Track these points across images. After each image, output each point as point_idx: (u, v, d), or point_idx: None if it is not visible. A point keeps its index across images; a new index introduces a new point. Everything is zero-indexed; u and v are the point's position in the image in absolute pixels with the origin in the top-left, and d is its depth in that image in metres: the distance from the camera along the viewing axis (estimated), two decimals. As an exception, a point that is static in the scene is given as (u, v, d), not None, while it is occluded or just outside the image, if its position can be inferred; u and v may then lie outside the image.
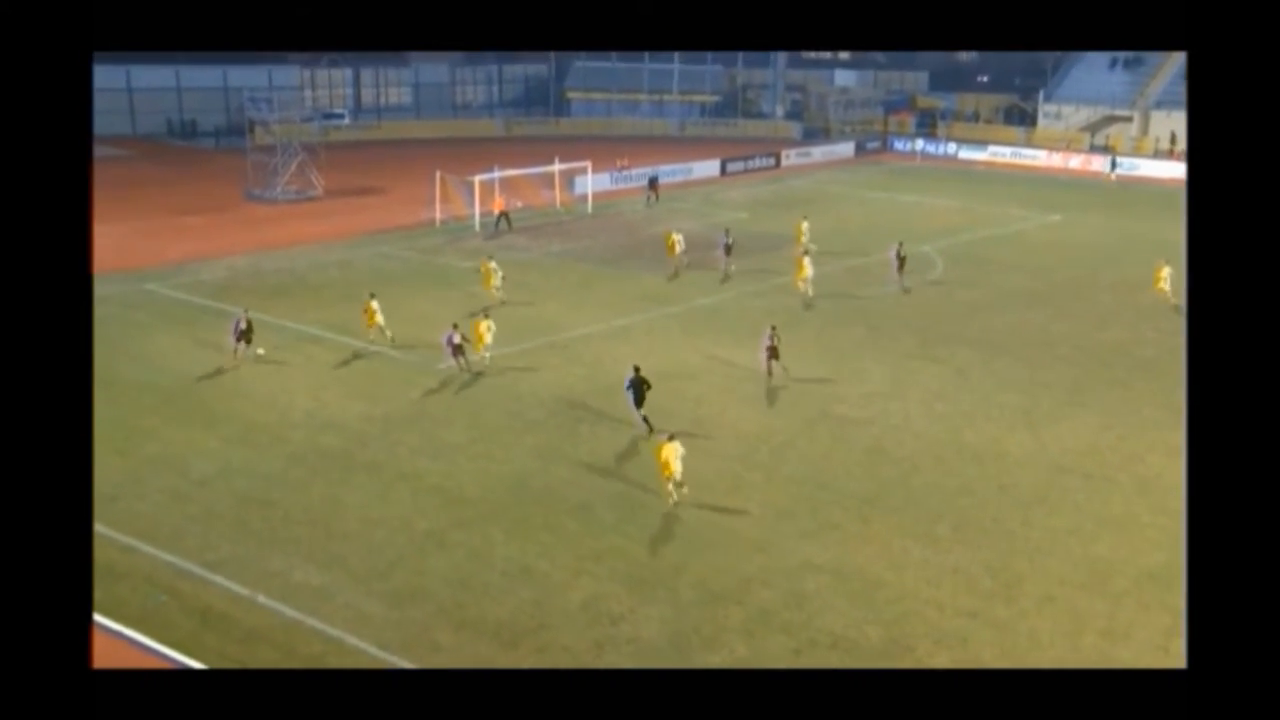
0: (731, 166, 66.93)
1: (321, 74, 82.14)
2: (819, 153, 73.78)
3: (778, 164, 69.65)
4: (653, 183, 56.14)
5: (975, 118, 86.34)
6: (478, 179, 48.44)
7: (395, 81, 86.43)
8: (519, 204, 48.60)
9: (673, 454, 22.10)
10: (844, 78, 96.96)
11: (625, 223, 50.02)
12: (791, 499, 22.94)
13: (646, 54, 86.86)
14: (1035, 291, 39.57)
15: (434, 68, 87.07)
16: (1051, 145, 74.34)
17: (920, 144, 76.57)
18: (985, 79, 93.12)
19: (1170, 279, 37.56)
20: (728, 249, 41.47)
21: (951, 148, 75.45)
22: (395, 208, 52.74)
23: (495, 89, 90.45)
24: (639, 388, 25.75)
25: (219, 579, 19.34)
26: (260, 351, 30.76)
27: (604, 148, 64.73)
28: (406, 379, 29.55)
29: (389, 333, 31.75)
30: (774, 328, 30.19)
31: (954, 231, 49.91)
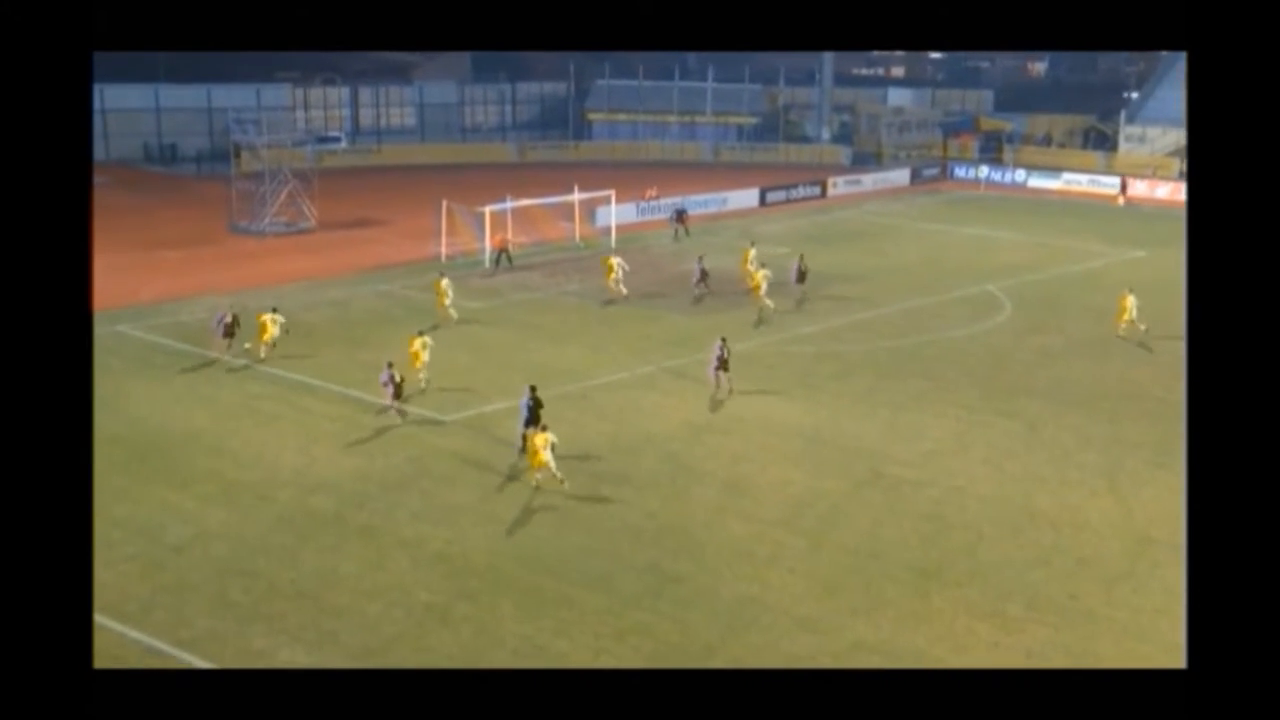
0: (772, 196, 67.26)
1: (315, 93, 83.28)
2: (870, 181, 74.04)
3: (824, 193, 69.94)
4: (680, 215, 56.16)
5: (1047, 141, 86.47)
6: (489, 209, 48.77)
7: (397, 101, 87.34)
8: (514, 241, 48.77)
9: (543, 443, 25.28)
10: (898, 96, 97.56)
11: (651, 259, 50.22)
12: (840, 571, 22.78)
13: (676, 71, 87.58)
14: (1115, 337, 39.36)
15: (440, 86, 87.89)
16: (1135, 172, 74.27)
17: (984, 171, 76.76)
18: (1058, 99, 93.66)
19: (1136, 308, 38.00)
20: (703, 273, 43.63)
21: (1020, 175, 75.58)
22: (396, 241, 53.21)
23: (508, 110, 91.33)
24: (533, 410, 27.37)
25: (193, 659, 19.30)
26: (247, 345, 34.37)
27: (629, 175, 65.19)
28: (406, 433, 29.63)
29: (264, 353, 34.16)
30: (724, 339, 32.32)
31: (1022, 269, 49.83)
